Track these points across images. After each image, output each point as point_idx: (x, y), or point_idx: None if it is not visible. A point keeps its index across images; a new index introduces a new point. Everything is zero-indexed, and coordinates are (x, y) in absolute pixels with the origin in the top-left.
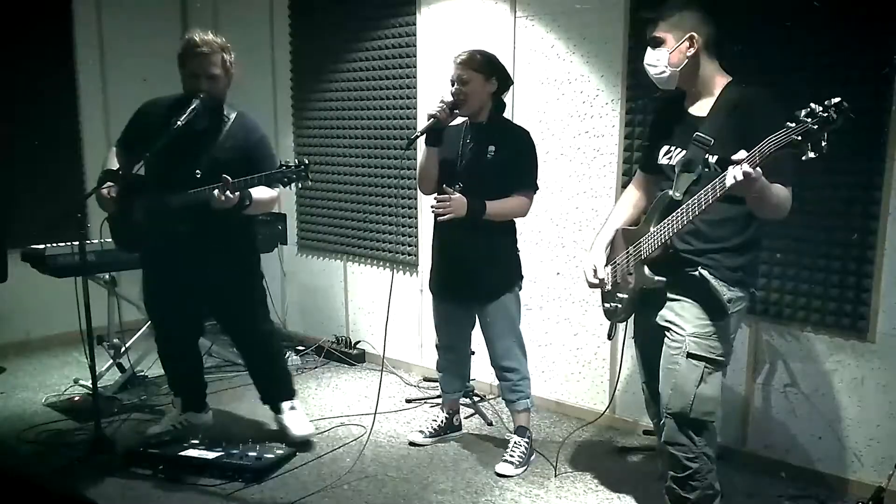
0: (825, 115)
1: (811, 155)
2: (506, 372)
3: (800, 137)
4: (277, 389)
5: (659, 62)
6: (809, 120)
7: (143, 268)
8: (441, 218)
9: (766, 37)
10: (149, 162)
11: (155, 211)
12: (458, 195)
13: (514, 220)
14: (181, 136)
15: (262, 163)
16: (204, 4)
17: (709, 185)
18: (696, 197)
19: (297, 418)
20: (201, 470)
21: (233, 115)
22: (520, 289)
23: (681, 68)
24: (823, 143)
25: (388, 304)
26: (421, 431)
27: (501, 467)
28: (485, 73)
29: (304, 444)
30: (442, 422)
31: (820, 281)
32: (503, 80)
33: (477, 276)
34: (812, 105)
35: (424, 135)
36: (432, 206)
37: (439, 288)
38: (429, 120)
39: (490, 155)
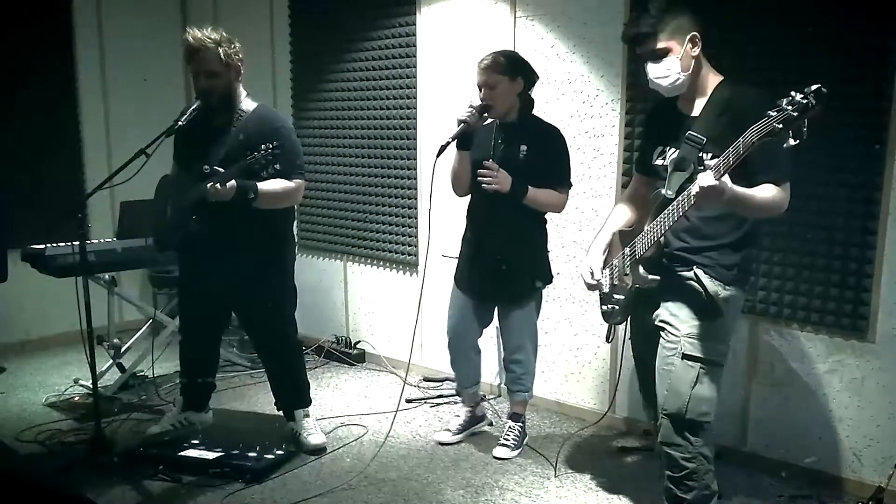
0: (804, 101)
1: (792, 142)
2: (513, 364)
3: (780, 125)
4: (293, 397)
5: (670, 71)
6: (790, 108)
7: (179, 264)
8: (486, 188)
9: (764, 36)
10: (177, 163)
11: (175, 209)
12: (502, 171)
13: (545, 219)
14: (196, 135)
15: (280, 156)
16: (204, 4)
17: (689, 186)
18: (683, 194)
19: (311, 428)
20: (201, 470)
21: (251, 108)
22: (544, 288)
23: (691, 71)
24: (804, 130)
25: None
26: (447, 430)
27: (498, 451)
28: (510, 75)
29: (314, 451)
30: (465, 417)
31: (820, 281)
32: (529, 78)
33: (506, 278)
34: (792, 93)
35: (455, 140)
36: (479, 176)
37: (466, 283)
38: (459, 125)
39: (522, 154)
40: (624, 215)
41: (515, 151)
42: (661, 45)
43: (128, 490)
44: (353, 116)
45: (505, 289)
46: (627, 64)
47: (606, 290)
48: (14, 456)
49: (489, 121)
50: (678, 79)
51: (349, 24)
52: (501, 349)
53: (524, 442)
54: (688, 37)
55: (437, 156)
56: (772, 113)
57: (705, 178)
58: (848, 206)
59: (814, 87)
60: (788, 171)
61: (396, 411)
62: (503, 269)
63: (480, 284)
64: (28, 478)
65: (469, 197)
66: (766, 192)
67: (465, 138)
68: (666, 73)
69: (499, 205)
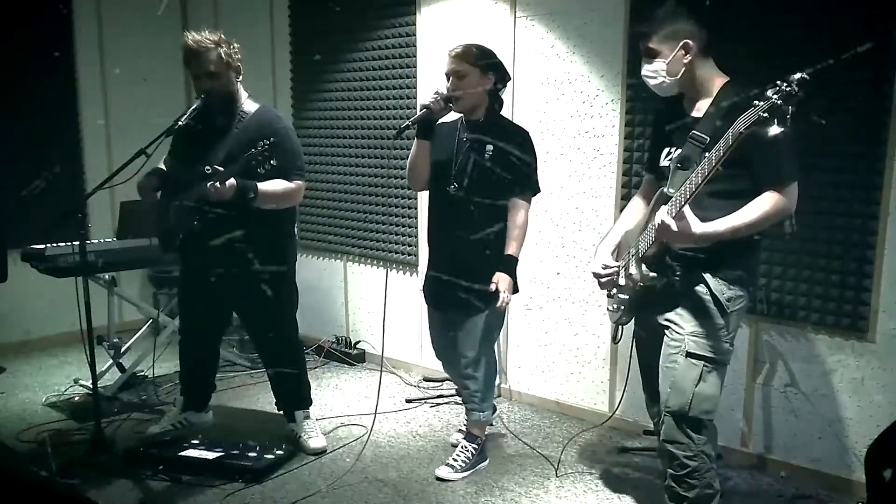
0: (788, 88)
1: (777, 129)
2: (466, 380)
3: (766, 113)
4: (293, 398)
5: (657, 73)
6: (775, 96)
7: (179, 263)
8: (503, 303)
9: (765, 37)
10: (174, 163)
11: (176, 210)
12: (504, 277)
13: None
14: (197, 136)
15: (280, 156)
16: (204, 4)
17: (693, 173)
18: (682, 187)
19: (311, 430)
20: (201, 470)
21: (253, 109)
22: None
23: (679, 76)
24: (788, 118)
25: (384, 301)
26: (461, 431)
27: (441, 470)
28: (481, 68)
29: (314, 454)
30: None
31: (820, 281)
32: (501, 76)
33: (465, 289)
34: (777, 81)
35: (416, 126)
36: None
37: (427, 294)
38: (421, 110)
39: (487, 154)
40: (633, 217)
41: (481, 151)
42: (651, 45)
43: (128, 490)
44: (353, 116)
45: (459, 296)
46: (627, 64)
47: (613, 291)
48: (14, 456)
49: (455, 117)
50: (663, 81)
51: (349, 24)
52: (499, 349)
53: (476, 467)
54: (680, 44)
55: (394, 138)
56: (758, 102)
57: (662, 218)
58: (848, 206)
59: (797, 76)
60: (792, 172)
61: (376, 413)
62: (458, 276)
63: (436, 292)
64: (28, 478)
65: (428, 197)
66: (757, 207)
67: (426, 125)
68: (653, 73)
69: (458, 208)
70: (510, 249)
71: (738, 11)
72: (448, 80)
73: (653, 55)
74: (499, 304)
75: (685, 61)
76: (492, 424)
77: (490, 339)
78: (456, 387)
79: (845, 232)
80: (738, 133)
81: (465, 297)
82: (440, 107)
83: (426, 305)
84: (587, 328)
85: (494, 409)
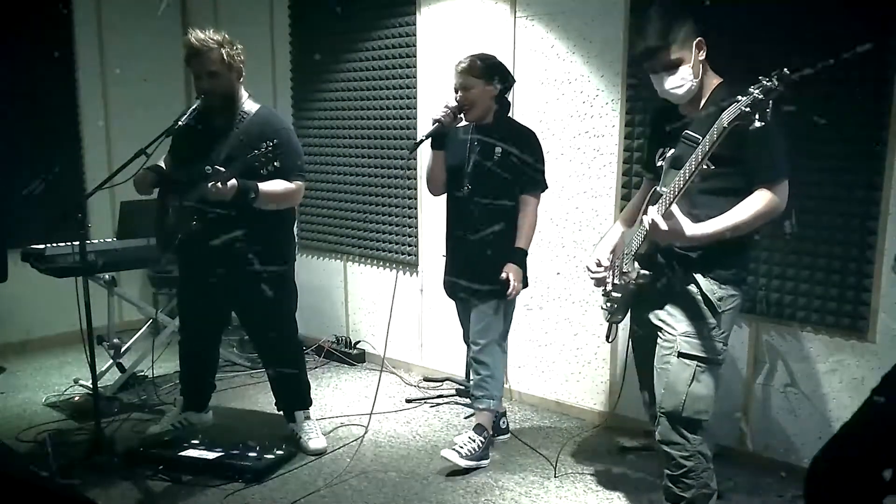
0: (769, 83)
1: (757, 124)
2: (477, 364)
3: (748, 108)
4: (293, 398)
5: (685, 80)
6: (756, 91)
7: (179, 264)
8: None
9: (763, 37)
10: (174, 163)
11: (175, 210)
12: (514, 268)
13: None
14: (197, 136)
15: (281, 157)
16: (204, 5)
17: (681, 171)
18: (672, 185)
19: (311, 430)
20: (201, 470)
21: (254, 110)
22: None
23: (700, 75)
24: (767, 112)
25: (391, 305)
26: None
27: (446, 452)
28: (486, 78)
29: (314, 455)
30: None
31: (820, 281)
32: (505, 81)
33: (478, 278)
34: (760, 77)
35: (429, 139)
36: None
37: (446, 288)
38: (433, 125)
39: (497, 156)
40: (632, 217)
41: (490, 153)
42: (675, 55)
43: (128, 490)
44: (353, 116)
45: (471, 287)
46: (627, 64)
47: (609, 287)
48: (14, 456)
49: (465, 123)
50: (692, 86)
51: (349, 25)
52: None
53: (480, 461)
54: (695, 43)
55: (411, 152)
56: (740, 98)
57: (652, 218)
58: (848, 206)
59: (777, 71)
60: (784, 170)
61: (372, 412)
62: (472, 267)
63: (452, 285)
64: (28, 478)
65: (446, 200)
66: (749, 206)
67: (439, 138)
68: (681, 82)
69: (470, 208)
70: (520, 242)
71: (737, 11)
72: (457, 92)
73: (676, 65)
74: (509, 292)
75: (701, 59)
76: (507, 433)
77: (500, 327)
78: (457, 387)
79: (845, 232)
80: (721, 128)
81: (478, 288)
82: (451, 119)
83: (455, 303)
84: (587, 328)
85: (507, 430)
